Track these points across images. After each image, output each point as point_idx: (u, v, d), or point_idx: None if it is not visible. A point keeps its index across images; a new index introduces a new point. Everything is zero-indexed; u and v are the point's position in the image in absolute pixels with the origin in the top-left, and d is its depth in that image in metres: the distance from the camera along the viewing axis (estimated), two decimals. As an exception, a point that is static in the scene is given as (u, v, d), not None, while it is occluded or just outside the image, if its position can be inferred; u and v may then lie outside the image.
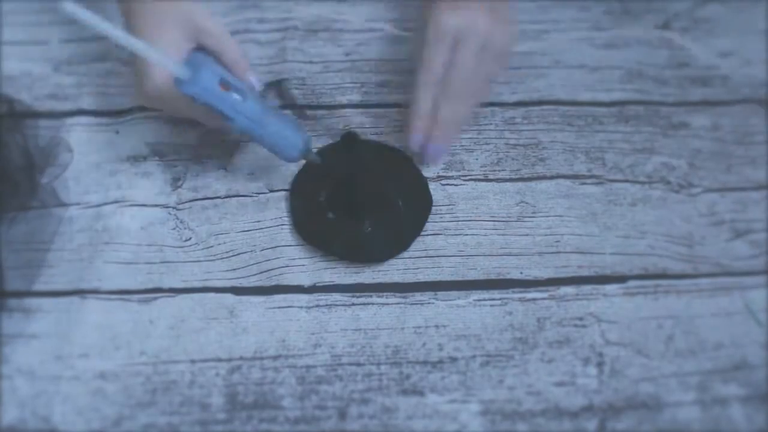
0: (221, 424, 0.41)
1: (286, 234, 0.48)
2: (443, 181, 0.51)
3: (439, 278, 0.47)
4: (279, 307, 0.46)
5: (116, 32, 0.39)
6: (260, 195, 0.50)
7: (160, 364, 0.43)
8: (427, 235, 0.49)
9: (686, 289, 0.47)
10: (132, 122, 0.53)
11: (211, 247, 0.48)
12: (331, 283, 0.47)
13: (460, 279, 0.47)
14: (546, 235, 0.49)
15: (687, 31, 0.61)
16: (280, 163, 0.51)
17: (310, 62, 0.58)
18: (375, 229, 0.48)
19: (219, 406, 0.42)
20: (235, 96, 0.44)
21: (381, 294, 0.46)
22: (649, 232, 0.49)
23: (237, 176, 0.51)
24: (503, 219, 0.50)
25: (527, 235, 0.49)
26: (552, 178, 0.52)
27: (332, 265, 0.47)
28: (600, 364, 0.44)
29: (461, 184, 0.51)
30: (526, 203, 0.50)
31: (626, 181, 0.52)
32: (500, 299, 0.46)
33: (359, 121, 0.53)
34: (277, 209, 0.50)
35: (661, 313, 0.46)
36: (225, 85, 0.44)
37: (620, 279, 0.47)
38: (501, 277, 0.47)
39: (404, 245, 0.48)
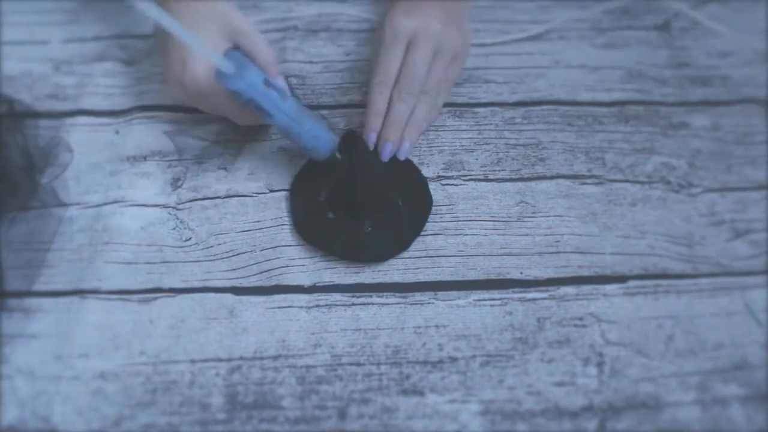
0: (221, 424, 0.41)
1: (286, 234, 0.49)
2: (443, 181, 0.51)
3: (439, 278, 0.47)
4: (279, 307, 0.46)
5: (171, 22, 0.39)
6: (260, 195, 0.50)
7: (160, 364, 0.43)
8: (427, 235, 0.49)
9: (686, 289, 0.47)
10: (132, 122, 0.53)
11: (211, 247, 0.48)
12: (331, 283, 0.47)
13: (460, 279, 0.47)
14: (546, 235, 0.49)
15: (687, 31, 0.61)
16: (280, 163, 0.52)
17: (310, 62, 0.58)
18: (375, 229, 0.48)
19: (219, 406, 0.42)
20: (276, 94, 0.44)
21: (381, 294, 0.46)
22: (649, 232, 0.49)
23: (237, 176, 0.51)
24: (503, 219, 0.50)
25: (527, 235, 0.49)
26: (552, 178, 0.52)
27: (332, 265, 0.47)
28: (600, 364, 0.44)
29: (461, 184, 0.51)
30: (526, 203, 0.50)
31: (626, 181, 0.52)
32: (500, 299, 0.46)
33: (359, 121, 0.53)
34: (277, 209, 0.50)
35: (661, 313, 0.46)
36: (266, 83, 0.44)
37: (620, 279, 0.47)
38: (501, 277, 0.47)
39: (404, 245, 0.48)
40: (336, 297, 0.46)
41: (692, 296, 0.47)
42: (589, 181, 0.52)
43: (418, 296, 0.46)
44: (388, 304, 0.46)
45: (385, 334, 0.45)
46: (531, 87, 0.57)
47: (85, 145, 0.52)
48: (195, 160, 0.52)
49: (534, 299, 0.46)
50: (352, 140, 0.47)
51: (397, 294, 0.46)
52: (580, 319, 0.46)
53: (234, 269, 0.47)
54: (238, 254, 0.48)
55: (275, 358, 0.44)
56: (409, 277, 0.47)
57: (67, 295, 0.46)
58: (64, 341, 0.44)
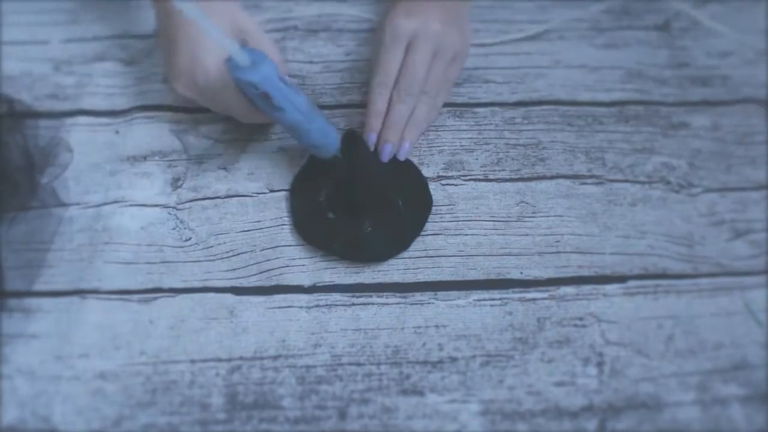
0: (221, 424, 0.41)
1: (286, 234, 0.49)
2: (443, 181, 0.51)
3: (439, 278, 0.47)
4: (279, 307, 0.46)
5: (194, 11, 0.39)
6: (260, 195, 0.50)
7: (160, 364, 0.43)
8: (427, 235, 0.49)
9: (686, 289, 0.47)
10: (132, 122, 0.53)
11: (211, 247, 0.48)
12: (331, 283, 0.47)
13: (460, 279, 0.47)
14: (546, 235, 0.49)
15: (687, 31, 0.61)
16: (280, 163, 0.52)
17: (310, 62, 0.58)
18: (375, 229, 0.48)
19: (219, 406, 0.42)
20: (289, 89, 0.44)
21: (381, 294, 0.46)
22: (649, 232, 0.49)
23: (237, 176, 0.51)
24: (503, 219, 0.50)
25: (527, 235, 0.49)
26: (552, 178, 0.52)
27: (332, 265, 0.47)
28: (600, 364, 0.44)
29: (461, 184, 0.51)
30: (526, 203, 0.50)
31: (626, 181, 0.52)
32: (500, 299, 0.46)
33: (359, 121, 0.53)
34: (277, 209, 0.50)
35: (661, 313, 0.46)
36: (279, 78, 0.44)
37: (620, 279, 0.47)
38: (501, 277, 0.47)
39: (404, 245, 0.48)
40: (336, 297, 0.46)
41: (692, 296, 0.47)
42: (589, 181, 0.52)
43: (418, 296, 0.46)
44: (388, 304, 0.46)
45: (385, 334, 0.45)
46: (531, 87, 0.57)
47: (85, 145, 0.52)
48: (195, 160, 0.52)
49: (534, 299, 0.46)
50: (352, 140, 0.47)
51: (397, 294, 0.46)
52: (580, 319, 0.46)
53: (234, 269, 0.47)
54: (238, 254, 0.48)
55: (275, 358, 0.44)
56: (409, 277, 0.47)
57: (67, 295, 0.46)
58: (64, 341, 0.44)
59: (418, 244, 0.48)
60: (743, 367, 0.44)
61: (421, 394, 0.43)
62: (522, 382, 0.43)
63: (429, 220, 0.49)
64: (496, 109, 0.55)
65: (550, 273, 0.47)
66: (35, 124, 0.52)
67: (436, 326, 0.45)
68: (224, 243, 0.48)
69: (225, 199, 0.50)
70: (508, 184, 0.51)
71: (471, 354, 0.44)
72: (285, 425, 0.41)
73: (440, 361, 0.44)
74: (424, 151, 0.53)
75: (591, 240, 0.49)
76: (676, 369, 0.44)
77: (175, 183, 0.51)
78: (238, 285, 0.46)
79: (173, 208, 0.50)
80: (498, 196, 0.51)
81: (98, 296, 0.46)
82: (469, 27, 0.55)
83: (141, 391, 0.42)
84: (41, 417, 0.41)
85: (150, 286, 0.46)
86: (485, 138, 0.54)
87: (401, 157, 0.51)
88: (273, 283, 0.46)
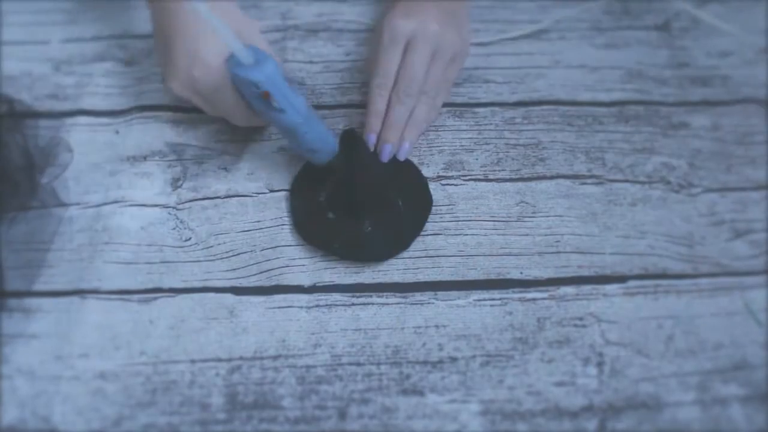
0: (221, 424, 0.41)
1: (286, 234, 0.48)
2: (443, 181, 0.51)
3: (439, 278, 0.47)
4: (279, 307, 0.46)
5: (201, 7, 0.39)
6: (260, 195, 0.50)
7: (160, 364, 0.43)
8: (427, 235, 0.49)
9: (686, 289, 0.47)
10: (132, 122, 0.53)
11: (211, 247, 0.48)
12: (331, 283, 0.47)
13: (460, 279, 0.47)
14: (546, 235, 0.49)
15: (687, 30, 0.61)
16: (280, 163, 0.52)
17: (310, 62, 0.58)
18: (375, 228, 0.48)
19: (219, 406, 0.42)
20: (290, 90, 0.44)
21: (381, 294, 0.46)
22: (649, 232, 0.49)
23: (237, 176, 0.51)
24: (503, 219, 0.50)
25: (527, 235, 0.49)
26: (552, 178, 0.52)
27: (332, 265, 0.47)
28: (600, 364, 0.44)
29: (461, 184, 0.51)
30: (526, 203, 0.50)
31: (626, 181, 0.52)
32: (500, 299, 0.46)
33: (359, 121, 0.53)
34: (277, 209, 0.50)
35: (661, 313, 0.46)
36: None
37: (620, 279, 0.47)
38: (501, 277, 0.47)
39: (404, 245, 0.48)
40: (336, 297, 0.46)
41: (692, 296, 0.47)
42: (589, 181, 0.52)
43: (418, 296, 0.46)
44: (388, 304, 0.46)
45: (385, 334, 0.45)
46: (531, 87, 0.56)
47: (85, 145, 0.52)
48: (195, 160, 0.52)
49: (534, 299, 0.46)
50: (351, 140, 0.47)
51: (397, 294, 0.46)
52: (580, 319, 0.46)
53: (234, 269, 0.47)
54: (238, 254, 0.48)
55: (275, 358, 0.44)
56: (409, 277, 0.47)
57: (67, 295, 0.46)
58: (64, 341, 0.44)
59: (418, 244, 0.48)
60: (743, 367, 0.44)
61: (421, 394, 0.43)
62: (522, 382, 0.43)
63: (429, 220, 0.49)
64: (496, 109, 0.55)
65: (550, 273, 0.47)
66: (35, 124, 0.52)
67: (436, 326, 0.45)
68: (224, 243, 0.48)
69: (225, 199, 0.50)
70: (508, 184, 0.51)
71: (471, 354, 0.44)
72: (285, 425, 0.41)
73: (440, 361, 0.44)
74: (424, 151, 0.53)
75: (591, 240, 0.49)
76: (676, 369, 0.44)
77: (175, 183, 0.51)
78: (238, 285, 0.46)
79: (173, 208, 0.50)
80: (498, 196, 0.51)
81: (98, 296, 0.46)
82: (468, 27, 0.55)
83: (141, 391, 0.42)
84: (41, 417, 0.41)
85: (150, 286, 0.46)
86: (485, 138, 0.54)
87: (401, 158, 0.51)
88: (273, 283, 0.46)
